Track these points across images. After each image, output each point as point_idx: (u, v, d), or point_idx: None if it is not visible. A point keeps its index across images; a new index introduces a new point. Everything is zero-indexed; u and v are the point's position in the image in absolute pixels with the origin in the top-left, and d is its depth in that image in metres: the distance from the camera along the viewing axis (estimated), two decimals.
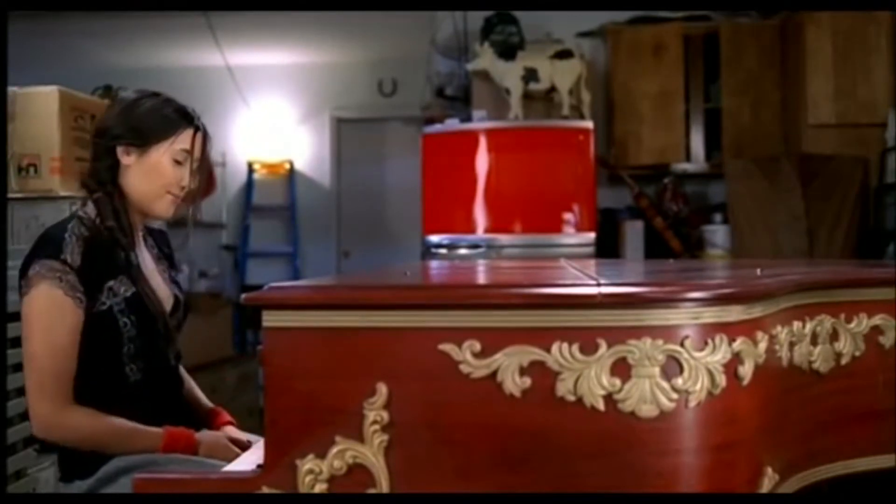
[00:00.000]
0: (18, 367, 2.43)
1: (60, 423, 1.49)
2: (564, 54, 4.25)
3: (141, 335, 1.58)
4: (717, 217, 4.62)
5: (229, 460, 1.44)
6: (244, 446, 1.59)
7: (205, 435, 1.61)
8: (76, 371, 1.52)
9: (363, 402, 1.05)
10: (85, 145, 3.13)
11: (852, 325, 1.37)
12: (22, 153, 2.92)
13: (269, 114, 6.83)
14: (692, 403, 1.05)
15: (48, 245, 1.53)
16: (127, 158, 1.65)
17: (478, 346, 1.04)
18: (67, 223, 1.58)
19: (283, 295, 1.10)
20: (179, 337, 1.72)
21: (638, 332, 1.04)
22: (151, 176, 1.66)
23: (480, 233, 4.07)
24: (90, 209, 1.63)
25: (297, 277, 6.27)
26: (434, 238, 4.09)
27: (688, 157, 4.74)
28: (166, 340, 1.66)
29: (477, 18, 4.67)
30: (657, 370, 1.04)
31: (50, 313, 1.49)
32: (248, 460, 1.35)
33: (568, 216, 4.06)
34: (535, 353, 1.04)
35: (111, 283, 1.57)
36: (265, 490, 1.07)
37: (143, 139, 1.67)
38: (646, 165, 4.72)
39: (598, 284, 1.08)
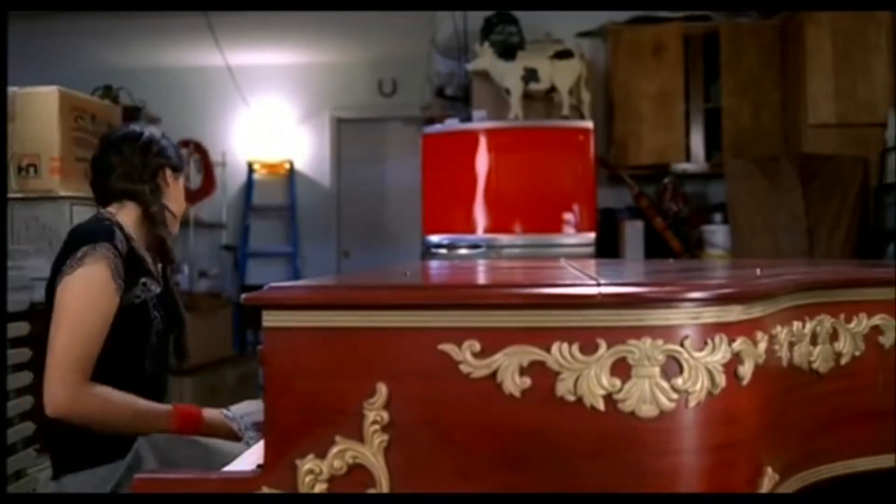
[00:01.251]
0: (19, 367, 2.43)
1: (80, 398, 1.52)
2: (564, 54, 4.26)
3: (166, 330, 1.71)
4: (717, 217, 4.62)
5: (231, 438, 1.57)
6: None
7: (207, 413, 1.69)
8: (98, 356, 1.59)
9: (363, 402, 1.05)
10: (85, 145, 3.13)
11: (852, 325, 1.37)
12: (22, 153, 2.92)
13: (269, 114, 6.83)
14: (692, 403, 1.05)
15: (99, 233, 1.63)
16: (169, 180, 1.83)
17: (478, 346, 1.04)
18: (104, 222, 1.68)
19: (283, 295, 1.10)
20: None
21: (638, 332, 1.04)
22: (180, 199, 1.87)
23: (480, 233, 4.07)
24: (124, 217, 1.75)
25: (297, 277, 6.27)
26: (434, 238, 4.09)
27: (688, 157, 4.74)
28: (180, 341, 1.80)
29: (477, 18, 4.67)
30: (657, 370, 1.04)
31: (90, 294, 1.56)
32: (248, 460, 1.35)
33: (568, 216, 4.06)
34: (535, 353, 1.04)
35: (144, 279, 1.69)
36: (265, 490, 1.07)
37: (181, 165, 1.89)
38: (646, 165, 4.73)
39: (598, 284, 1.08)
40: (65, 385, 1.52)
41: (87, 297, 1.56)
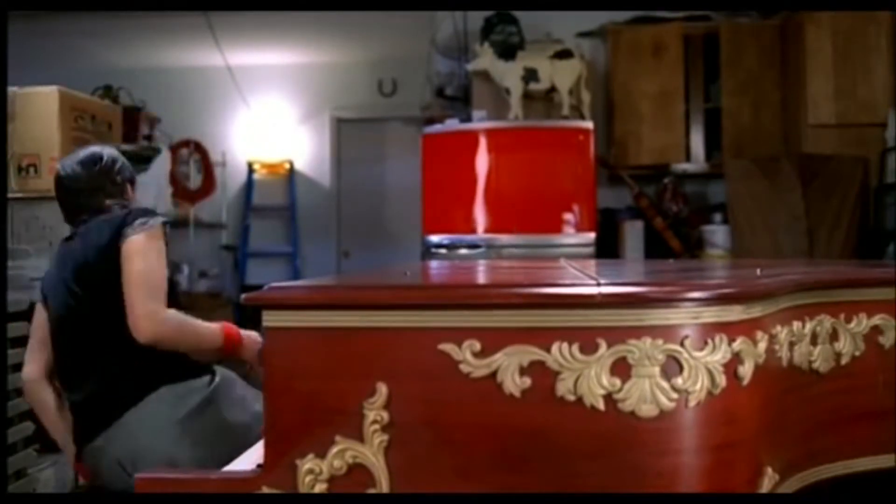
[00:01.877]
0: (19, 368, 2.43)
1: (163, 323, 1.78)
2: (564, 54, 4.26)
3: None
4: (717, 217, 4.62)
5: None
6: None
7: (245, 334, 1.92)
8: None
9: (363, 401, 1.05)
10: (84, 145, 3.13)
11: (852, 325, 1.37)
12: (22, 153, 2.92)
13: (269, 114, 6.83)
14: (692, 403, 1.05)
15: (149, 211, 1.95)
16: (130, 192, 2.13)
17: (478, 346, 1.04)
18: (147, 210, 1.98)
19: (283, 295, 1.10)
20: None
21: (638, 331, 1.04)
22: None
23: (480, 233, 4.07)
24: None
25: (297, 277, 6.26)
26: (434, 238, 4.09)
27: (688, 157, 4.74)
28: None
29: (477, 18, 4.67)
30: (657, 370, 1.04)
31: (156, 247, 1.88)
32: (249, 460, 1.35)
33: (568, 216, 4.06)
34: (535, 353, 1.04)
35: None
36: (265, 490, 1.07)
37: (135, 177, 2.21)
38: (646, 165, 4.72)
39: (598, 284, 1.08)
40: (149, 316, 1.77)
41: (155, 248, 1.87)
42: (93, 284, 1.90)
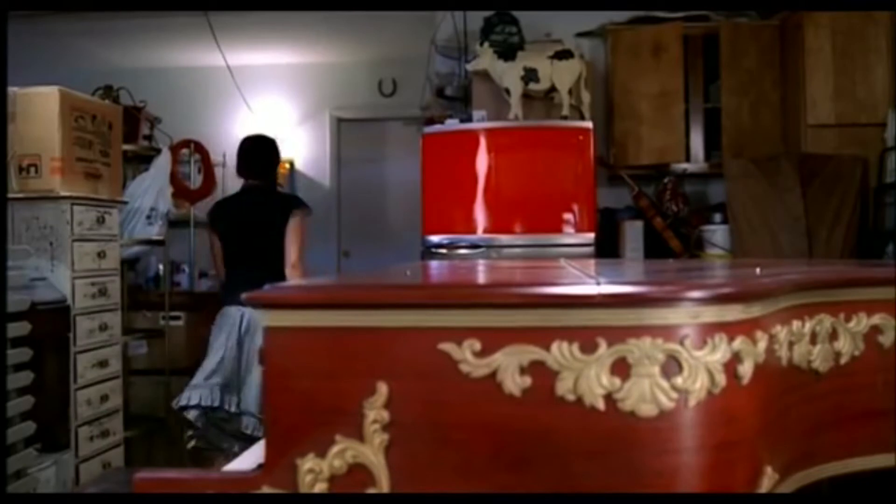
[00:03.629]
0: (19, 367, 2.43)
1: (307, 271, 3.61)
2: (564, 54, 4.26)
3: None
4: (717, 217, 4.62)
5: None
6: None
7: None
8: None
9: (363, 401, 1.06)
10: (85, 145, 3.13)
11: (851, 324, 1.37)
12: (22, 153, 2.92)
13: (269, 114, 6.83)
14: (692, 403, 1.05)
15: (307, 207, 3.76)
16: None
17: (478, 346, 1.05)
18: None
19: (283, 295, 1.11)
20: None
21: (637, 331, 1.04)
22: None
23: (480, 233, 4.07)
24: None
25: None
26: (434, 238, 4.09)
27: (687, 157, 4.74)
28: None
29: (477, 18, 4.67)
30: (657, 369, 1.04)
31: (309, 226, 3.73)
32: (249, 460, 1.35)
33: (568, 216, 4.06)
34: (535, 353, 1.04)
35: None
36: (265, 489, 1.07)
37: None
38: (645, 165, 4.72)
39: (598, 284, 1.08)
40: (302, 267, 3.59)
41: (308, 227, 3.70)
42: (273, 231, 3.61)
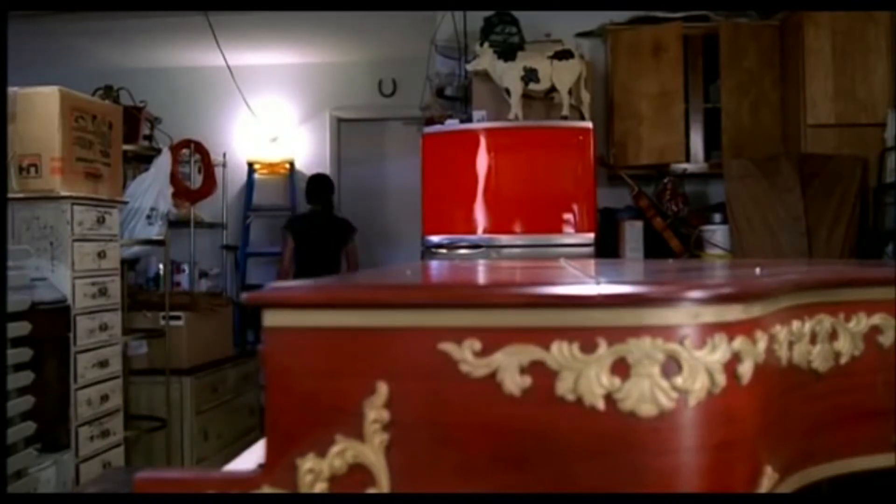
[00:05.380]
0: (19, 367, 2.44)
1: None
2: (564, 54, 4.26)
3: None
4: (717, 217, 4.61)
5: None
6: None
7: None
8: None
9: (363, 401, 1.06)
10: (85, 145, 3.13)
11: (851, 324, 1.37)
12: (22, 153, 2.93)
13: (269, 114, 6.83)
14: (692, 403, 1.05)
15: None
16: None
17: (478, 346, 1.05)
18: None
19: (283, 295, 1.11)
20: None
21: (637, 331, 1.04)
22: None
23: (480, 233, 4.07)
24: None
25: None
26: (434, 238, 4.09)
27: (687, 157, 4.74)
28: None
29: (477, 18, 4.67)
30: (657, 369, 1.04)
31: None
32: (249, 460, 1.35)
33: (568, 216, 4.06)
34: (535, 353, 1.04)
35: None
36: (266, 489, 1.07)
37: None
38: (645, 165, 4.73)
39: (598, 284, 1.09)
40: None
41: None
42: (337, 246, 5.29)
